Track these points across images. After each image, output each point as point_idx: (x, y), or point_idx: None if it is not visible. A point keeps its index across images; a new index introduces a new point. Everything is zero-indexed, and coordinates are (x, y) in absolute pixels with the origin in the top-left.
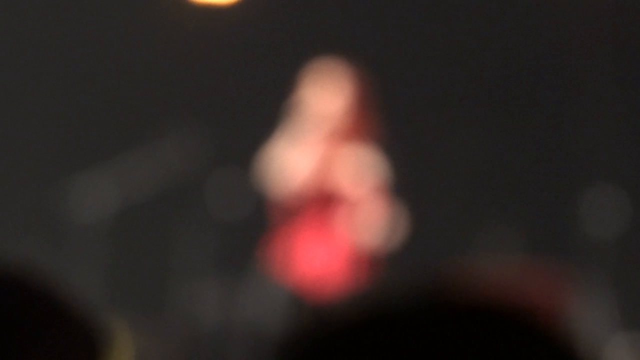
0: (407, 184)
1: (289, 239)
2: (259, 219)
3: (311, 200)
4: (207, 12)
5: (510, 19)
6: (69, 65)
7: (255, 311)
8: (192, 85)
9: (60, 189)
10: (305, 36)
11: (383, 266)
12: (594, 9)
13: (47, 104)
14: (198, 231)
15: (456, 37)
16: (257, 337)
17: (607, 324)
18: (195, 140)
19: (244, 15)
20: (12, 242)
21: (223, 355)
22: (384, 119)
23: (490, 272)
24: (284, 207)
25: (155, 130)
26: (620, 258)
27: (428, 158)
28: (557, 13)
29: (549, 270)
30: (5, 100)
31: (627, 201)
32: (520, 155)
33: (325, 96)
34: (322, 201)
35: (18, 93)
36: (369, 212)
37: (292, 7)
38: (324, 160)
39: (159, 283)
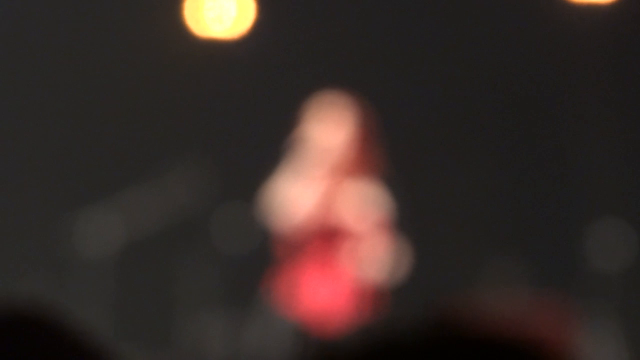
0: (411, 218)
1: (293, 273)
2: (264, 253)
3: (315, 234)
4: (212, 47)
5: (515, 52)
6: (77, 100)
7: (261, 345)
8: (196, 121)
9: (67, 223)
10: (309, 70)
11: (387, 300)
12: (600, 44)
13: (54, 139)
14: (204, 265)
15: (460, 70)
16: None
17: (613, 357)
18: (200, 175)
19: (248, 50)
20: (19, 277)
21: None
22: (386, 153)
23: (496, 306)
24: (288, 241)
25: (161, 165)
26: (627, 291)
27: (433, 191)
28: (563, 46)
29: (554, 304)
30: (12, 134)
31: (633, 235)
32: (526, 188)
33: (328, 130)
34: (325, 235)
35: (25, 128)
36: (372, 246)
37: (296, 42)
38: (327, 195)
39: (165, 316)
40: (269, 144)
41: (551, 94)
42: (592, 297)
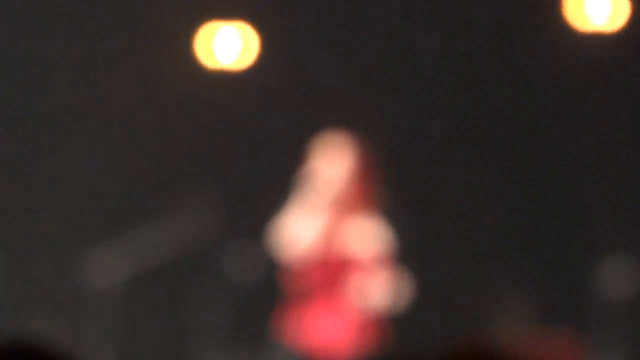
0: (418, 253)
1: (300, 307)
2: (272, 287)
3: (319, 266)
4: (221, 79)
5: (521, 82)
6: (86, 135)
7: None
8: (204, 158)
9: (79, 259)
10: (313, 107)
11: (391, 332)
12: (606, 72)
13: (62, 175)
14: (212, 299)
15: (465, 102)
16: None
17: None
18: (208, 210)
19: (254, 82)
20: (28, 314)
21: None
22: (392, 187)
23: (504, 341)
24: (294, 275)
25: (170, 200)
26: (634, 323)
27: (441, 227)
28: (569, 75)
29: (564, 340)
30: (20, 170)
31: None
32: (535, 222)
33: (331, 166)
34: (329, 268)
35: (34, 163)
36: (375, 279)
37: (302, 74)
38: (331, 229)
39: (174, 351)
40: (275, 179)
41: (561, 127)
42: (600, 331)
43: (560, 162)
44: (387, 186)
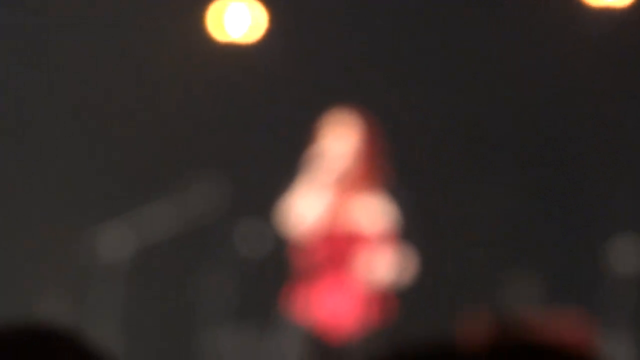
0: (423, 229)
1: (306, 284)
2: (279, 264)
3: (325, 243)
4: (231, 53)
5: (532, 62)
6: (95, 113)
7: (278, 355)
8: (213, 133)
9: (88, 236)
10: (321, 84)
11: (396, 308)
12: (617, 48)
13: (71, 154)
14: (220, 276)
15: (475, 81)
16: None
17: None
18: (216, 187)
19: (262, 57)
20: (35, 289)
21: None
22: (400, 163)
23: (513, 321)
24: (301, 252)
25: (178, 178)
26: None
27: (446, 204)
28: (580, 52)
29: (572, 320)
30: (28, 147)
31: None
32: (542, 200)
33: (339, 144)
34: (336, 245)
35: (43, 142)
36: (380, 255)
37: (310, 51)
38: (338, 206)
39: (181, 328)
40: (284, 154)
41: (571, 106)
42: (609, 308)
43: (570, 140)
44: (393, 163)
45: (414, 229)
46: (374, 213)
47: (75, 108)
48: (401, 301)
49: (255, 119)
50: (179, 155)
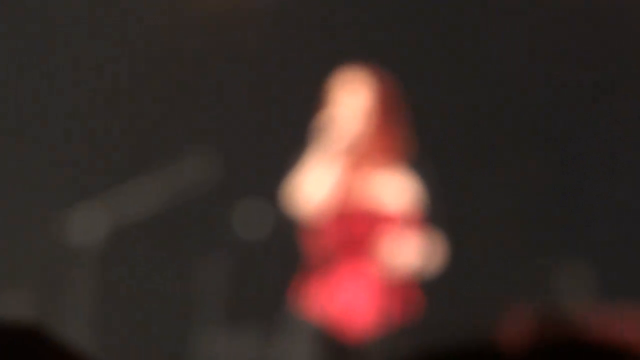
0: (452, 210)
1: (316, 272)
2: (285, 251)
3: (338, 227)
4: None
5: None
6: (76, 88)
7: (284, 358)
8: (206, 106)
9: (65, 219)
10: (332, 42)
11: (421, 301)
12: None
13: (47, 132)
14: (215, 267)
15: (503, 37)
16: None
17: None
18: (209, 165)
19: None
20: (12, 280)
21: None
22: (420, 134)
23: (561, 318)
24: (311, 237)
25: (167, 156)
26: None
27: (478, 179)
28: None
29: (633, 317)
30: (5, 128)
31: None
32: (592, 180)
33: (349, 110)
34: (350, 228)
35: (22, 124)
36: (402, 239)
37: (313, 16)
38: (351, 182)
39: (169, 328)
40: (289, 124)
41: (612, 88)
42: None
43: (619, 130)
44: (414, 132)
45: (441, 209)
46: (394, 189)
47: (50, 80)
48: (427, 294)
49: (255, 84)
50: (168, 128)
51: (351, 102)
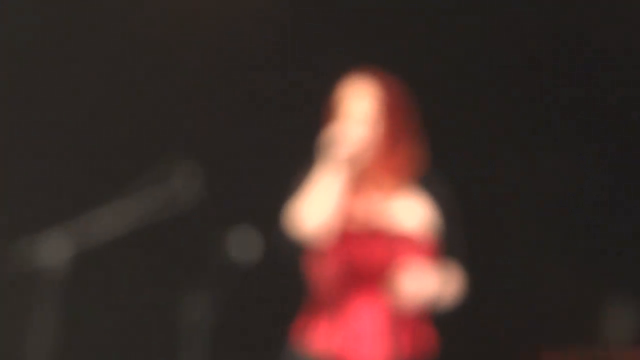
0: (472, 234)
1: (320, 305)
2: (282, 279)
3: (344, 253)
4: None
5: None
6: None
7: None
8: (193, 116)
9: (31, 244)
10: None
11: (434, 339)
12: None
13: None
14: (201, 295)
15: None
16: None
17: None
18: (195, 183)
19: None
20: None
21: None
22: (435, 149)
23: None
24: (311, 263)
25: (148, 173)
26: None
27: (503, 200)
28: None
29: None
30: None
31: None
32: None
33: (358, 114)
34: (357, 254)
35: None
36: (414, 267)
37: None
38: (359, 202)
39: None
40: (287, 138)
41: None
42: None
43: None
44: (428, 144)
45: (459, 232)
46: (405, 210)
47: (17, 99)
48: (441, 330)
49: (249, 94)
50: (151, 141)
51: (358, 110)
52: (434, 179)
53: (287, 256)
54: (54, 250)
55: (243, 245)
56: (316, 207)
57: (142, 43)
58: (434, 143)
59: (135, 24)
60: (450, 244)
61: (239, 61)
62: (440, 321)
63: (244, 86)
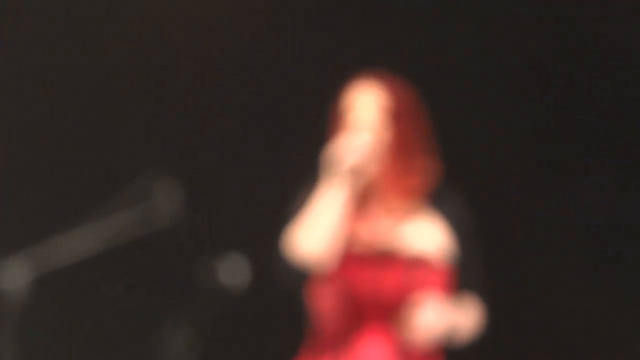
0: (489, 261)
1: (322, 339)
2: (277, 311)
3: (349, 282)
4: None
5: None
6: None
7: None
8: (175, 128)
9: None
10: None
11: None
12: None
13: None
14: (186, 329)
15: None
16: None
17: None
18: (177, 201)
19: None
20: None
21: None
22: (448, 162)
23: None
24: (313, 294)
25: (126, 189)
26: None
27: (524, 221)
28: None
29: None
30: None
31: None
32: None
33: (363, 119)
34: (363, 284)
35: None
36: (425, 299)
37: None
38: (365, 224)
39: None
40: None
41: None
42: None
43: None
44: (441, 159)
45: (476, 259)
46: (416, 233)
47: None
48: None
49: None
50: (129, 155)
51: (363, 117)
52: (449, 196)
53: (284, 285)
54: (16, 273)
55: (230, 270)
56: (316, 228)
57: (118, 57)
58: (449, 155)
59: (110, 37)
60: (467, 272)
61: (228, 70)
62: (455, 358)
63: (234, 94)
